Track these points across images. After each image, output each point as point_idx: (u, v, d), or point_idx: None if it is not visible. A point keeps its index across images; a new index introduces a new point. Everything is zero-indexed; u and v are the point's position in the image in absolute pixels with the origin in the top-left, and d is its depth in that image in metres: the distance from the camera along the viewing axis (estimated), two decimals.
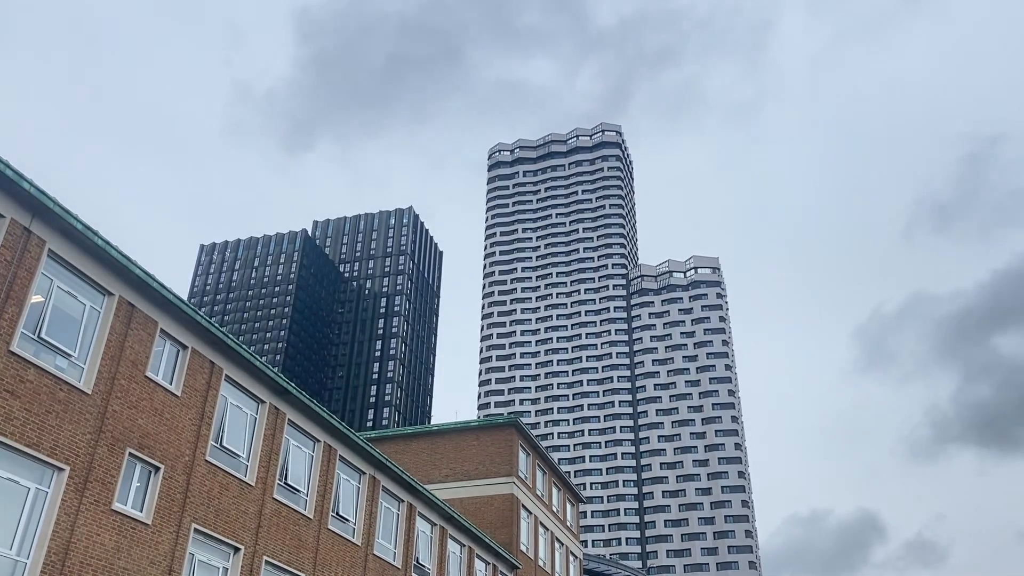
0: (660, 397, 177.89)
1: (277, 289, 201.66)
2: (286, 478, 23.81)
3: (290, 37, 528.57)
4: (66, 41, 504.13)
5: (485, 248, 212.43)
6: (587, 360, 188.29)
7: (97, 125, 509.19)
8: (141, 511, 18.47)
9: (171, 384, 20.00)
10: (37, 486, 16.00)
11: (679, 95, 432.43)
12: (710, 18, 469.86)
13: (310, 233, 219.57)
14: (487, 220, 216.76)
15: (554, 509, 48.40)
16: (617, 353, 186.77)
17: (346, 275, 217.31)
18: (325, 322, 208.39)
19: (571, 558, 50.31)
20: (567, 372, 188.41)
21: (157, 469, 19.00)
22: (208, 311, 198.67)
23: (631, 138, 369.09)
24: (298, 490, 24.35)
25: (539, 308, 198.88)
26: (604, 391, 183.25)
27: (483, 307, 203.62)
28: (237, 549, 21.21)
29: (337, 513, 26.21)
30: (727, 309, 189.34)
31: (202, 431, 20.57)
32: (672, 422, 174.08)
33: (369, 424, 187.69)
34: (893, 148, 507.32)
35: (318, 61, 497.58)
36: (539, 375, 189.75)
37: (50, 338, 16.74)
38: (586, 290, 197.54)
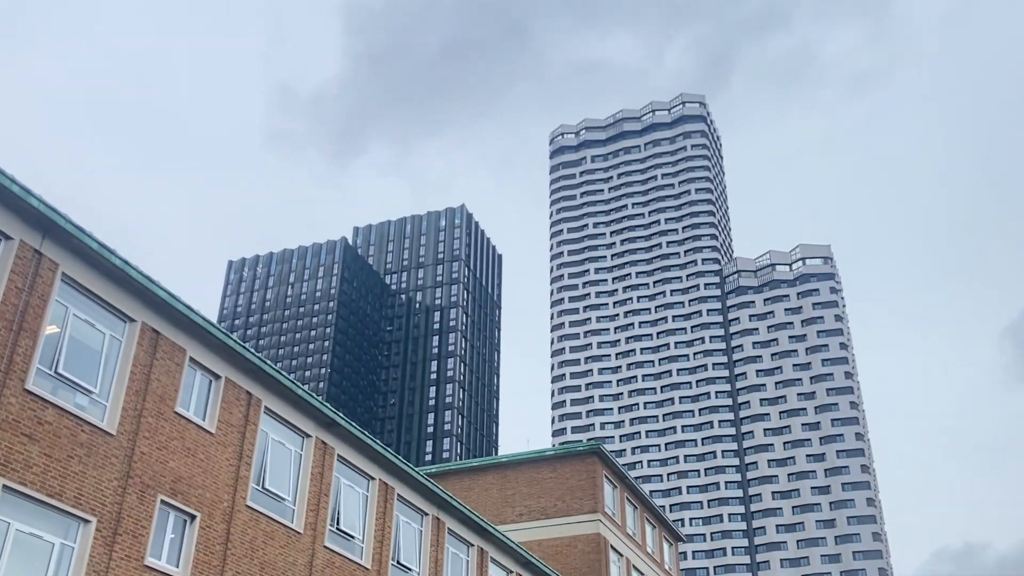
0: (768, 414, 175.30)
1: (316, 307, 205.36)
2: (338, 523, 24.03)
3: (338, 31, 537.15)
4: (79, 37, 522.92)
5: (551, 248, 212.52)
6: (678, 374, 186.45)
7: (111, 132, 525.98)
8: (177, 566, 18.83)
9: (204, 420, 20.38)
10: (62, 541, 16.43)
11: (788, 65, 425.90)
12: None
13: (350, 241, 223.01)
14: (551, 216, 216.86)
15: (649, 550, 47.87)
16: (713, 364, 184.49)
17: (393, 287, 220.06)
18: (372, 342, 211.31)
19: None
20: (655, 389, 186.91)
21: (193, 518, 19.36)
22: (240, 335, 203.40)
23: (728, 116, 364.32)
24: (352, 536, 24.56)
25: (618, 315, 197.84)
26: (700, 409, 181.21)
27: (552, 317, 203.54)
28: None
29: (398, 562, 26.35)
30: (844, 306, 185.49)
31: (241, 472, 20.89)
32: (784, 443, 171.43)
33: (428, 458, 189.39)
34: None
35: (369, 55, 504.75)
36: (622, 394, 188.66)
37: (68, 373, 17.19)
38: (673, 291, 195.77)
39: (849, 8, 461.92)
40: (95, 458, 17.22)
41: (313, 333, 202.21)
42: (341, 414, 24.21)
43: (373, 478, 26.03)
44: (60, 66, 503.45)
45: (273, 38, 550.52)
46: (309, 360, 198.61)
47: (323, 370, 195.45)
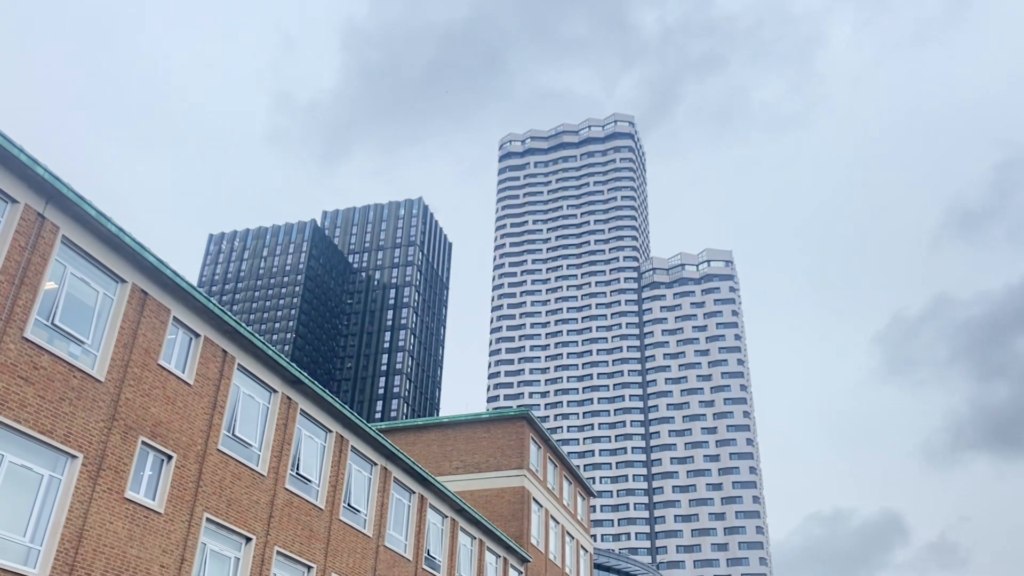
0: (671, 392, 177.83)
1: (286, 279, 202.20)
2: (298, 468, 23.88)
3: (336, 48, 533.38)
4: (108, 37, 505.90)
5: (495, 240, 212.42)
6: (597, 354, 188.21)
7: (124, 119, 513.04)
8: (154, 500, 18.55)
9: (184, 372, 20.07)
10: (51, 473, 16.09)
11: (723, 104, 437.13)
12: (758, 28, 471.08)
13: (319, 223, 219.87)
14: (497, 212, 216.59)
15: (565, 503, 48.42)
16: (628, 347, 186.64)
17: (355, 266, 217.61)
18: (334, 312, 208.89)
19: (581, 552, 50.36)
20: (577, 366, 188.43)
21: (170, 458, 19.08)
22: (217, 300, 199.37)
23: (670, 142, 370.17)
24: (310, 480, 24.43)
25: (549, 301, 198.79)
26: (614, 385, 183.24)
27: (493, 299, 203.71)
28: (249, 539, 21.30)
29: (349, 504, 26.30)
30: (740, 304, 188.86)
31: (214, 420, 20.64)
32: (683, 416, 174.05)
33: (378, 416, 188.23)
34: (929, 156, 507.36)
35: (362, 72, 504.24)
36: (549, 368, 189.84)
37: (64, 325, 16.82)
38: (597, 283, 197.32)
39: (778, 58, 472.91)
40: (84, 401, 16.88)
41: (282, 302, 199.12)
42: (305, 374, 24.04)
43: (330, 431, 25.90)
44: (98, 59, 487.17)
45: (282, 49, 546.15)
46: (277, 325, 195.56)
47: (289, 335, 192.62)
